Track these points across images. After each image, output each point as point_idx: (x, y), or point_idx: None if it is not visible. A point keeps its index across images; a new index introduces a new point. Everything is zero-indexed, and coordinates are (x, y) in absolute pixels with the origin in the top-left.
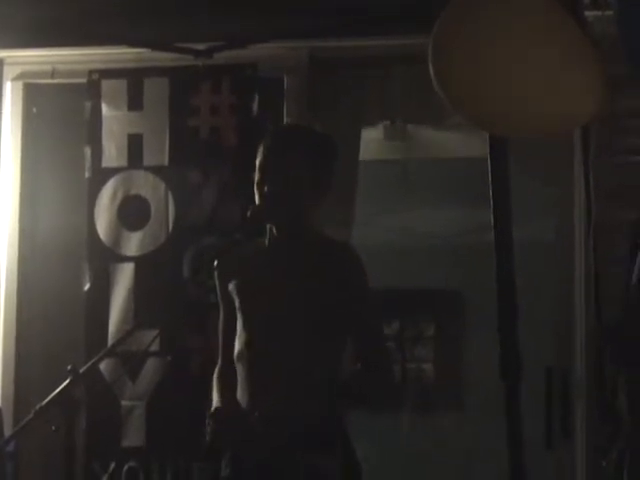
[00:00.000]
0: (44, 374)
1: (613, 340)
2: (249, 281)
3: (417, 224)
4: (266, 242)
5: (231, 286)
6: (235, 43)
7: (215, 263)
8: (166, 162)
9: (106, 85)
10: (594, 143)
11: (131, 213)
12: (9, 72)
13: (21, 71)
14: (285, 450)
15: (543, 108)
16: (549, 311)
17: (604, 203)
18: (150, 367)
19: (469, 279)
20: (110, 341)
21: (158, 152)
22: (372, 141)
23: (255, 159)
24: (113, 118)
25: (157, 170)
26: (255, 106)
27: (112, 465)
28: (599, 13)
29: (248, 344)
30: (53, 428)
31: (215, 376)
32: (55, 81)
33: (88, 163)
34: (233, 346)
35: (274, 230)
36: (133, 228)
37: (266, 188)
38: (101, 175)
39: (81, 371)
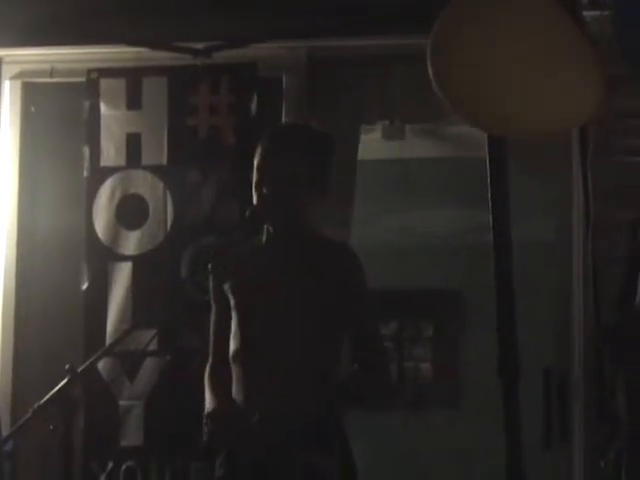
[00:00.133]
0: (42, 373)
1: (612, 340)
2: (245, 280)
3: (416, 224)
4: (263, 240)
5: (226, 285)
6: (234, 43)
7: (210, 263)
8: (165, 161)
9: (105, 84)
10: (592, 143)
11: (129, 212)
12: (8, 71)
13: (20, 70)
14: (282, 448)
15: (542, 108)
16: (548, 311)
17: (603, 203)
18: (148, 367)
19: (468, 279)
20: (108, 340)
21: (157, 151)
22: (371, 141)
23: (254, 159)
24: (112, 117)
25: (155, 169)
26: (254, 106)
27: (110, 464)
28: (597, 13)
29: (244, 343)
30: (51, 427)
31: (207, 375)
32: (54, 80)
33: (86, 162)
34: (226, 345)
35: (270, 229)
36: (131, 227)
37: (264, 189)
38: (99, 174)
39: (79, 370)
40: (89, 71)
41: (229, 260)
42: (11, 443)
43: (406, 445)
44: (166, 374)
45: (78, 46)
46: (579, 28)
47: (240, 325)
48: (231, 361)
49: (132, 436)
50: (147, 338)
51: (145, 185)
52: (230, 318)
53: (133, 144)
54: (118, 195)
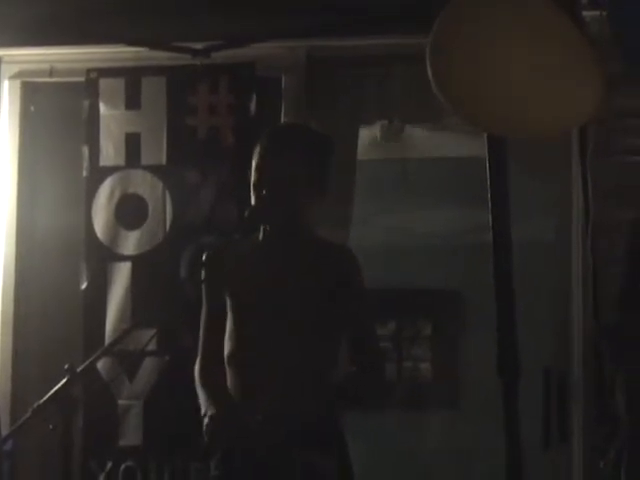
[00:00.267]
0: (41, 373)
1: (612, 340)
2: (243, 280)
3: (416, 224)
4: (260, 238)
5: (223, 285)
6: (233, 42)
7: (205, 262)
8: (164, 161)
9: (104, 84)
10: (592, 143)
11: (129, 212)
12: (7, 70)
13: (19, 69)
14: (282, 448)
15: (542, 108)
16: (548, 311)
17: (602, 203)
18: (147, 366)
19: (468, 279)
20: (107, 340)
21: (156, 151)
22: (370, 141)
23: (253, 159)
24: (111, 117)
25: (155, 169)
26: (253, 106)
27: (109, 464)
28: (597, 13)
29: (242, 343)
30: (50, 427)
31: (199, 376)
32: (53, 80)
33: (86, 162)
34: (220, 345)
35: (268, 228)
36: (130, 227)
37: (263, 189)
38: (99, 174)
39: (78, 370)
40: (88, 71)
41: (226, 259)
42: (10, 442)
43: (405, 445)
44: (165, 374)
45: (77, 46)
46: (579, 28)
47: (237, 325)
48: (227, 362)
49: (131, 436)
50: (146, 338)
51: (144, 185)
52: (224, 318)
53: (132, 144)
54: (117, 195)
